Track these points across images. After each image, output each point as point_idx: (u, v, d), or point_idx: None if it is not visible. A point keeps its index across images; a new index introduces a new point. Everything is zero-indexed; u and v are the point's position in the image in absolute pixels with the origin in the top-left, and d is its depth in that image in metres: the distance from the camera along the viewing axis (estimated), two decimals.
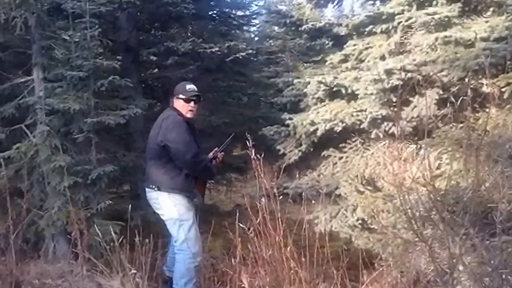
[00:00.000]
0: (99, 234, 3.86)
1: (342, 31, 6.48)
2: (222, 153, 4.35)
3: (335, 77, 5.93)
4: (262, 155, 3.46)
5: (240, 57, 6.66)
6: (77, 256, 4.31)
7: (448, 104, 4.96)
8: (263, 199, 3.33)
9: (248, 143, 3.46)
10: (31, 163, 4.98)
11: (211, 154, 4.24)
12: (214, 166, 4.26)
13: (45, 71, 5.11)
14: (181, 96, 4.09)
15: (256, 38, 11.84)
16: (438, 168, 4.69)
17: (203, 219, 4.46)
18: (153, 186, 3.99)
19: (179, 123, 3.96)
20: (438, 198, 3.19)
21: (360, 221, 5.46)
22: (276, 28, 10.65)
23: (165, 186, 3.96)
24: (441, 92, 5.12)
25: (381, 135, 5.55)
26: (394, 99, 5.30)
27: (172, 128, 3.91)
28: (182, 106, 4.08)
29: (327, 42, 7.14)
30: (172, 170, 3.97)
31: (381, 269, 3.90)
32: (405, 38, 5.67)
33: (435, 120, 4.94)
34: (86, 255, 4.23)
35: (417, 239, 3.20)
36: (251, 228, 3.31)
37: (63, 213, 4.79)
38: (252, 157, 3.39)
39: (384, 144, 5.60)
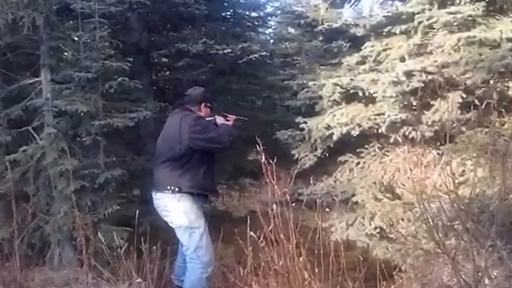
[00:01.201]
0: (105, 240, 3.78)
1: (360, 32, 6.35)
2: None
3: (352, 79, 5.79)
4: (275, 160, 3.33)
5: (254, 59, 6.55)
6: (83, 263, 4.23)
7: (472, 108, 4.85)
8: (275, 206, 3.20)
9: (258, 147, 3.33)
10: (37, 166, 4.92)
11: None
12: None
13: (53, 72, 5.07)
14: (209, 104, 4.24)
15: (272, 40, 11.76)
16: (461, 175, 4.54)
17: (215, 225, 4.37)
18: (170, 188, 3.86)
19: (198, 117, 4.03)
20: (462, 207, 3.09)
21: (378, 230, 5.27)
22: (292, 30, 10.58)
23: (185, 186, 3.86)
24: (464, 95, 4.97)
25: (400, 140, 5.39)
26: (414, 102, 5.14)
27: (196, 124, 3.91)
28: (206, 114, 4.18)
29: (344, 44, 7.01)
30: (192, 168, 3.90)
31: (400, 281, 3.83)
32: (425, 39, 5.49)
33: (458, 125, 4.80)
34: (92, 262, 4.15)
35: (439, 250, 3.10)
36: (262, 237, 3.17)
37: (69, 218, 4.71)
38: (262, 161, 3.25)
39: (404, 150, 5.45)
